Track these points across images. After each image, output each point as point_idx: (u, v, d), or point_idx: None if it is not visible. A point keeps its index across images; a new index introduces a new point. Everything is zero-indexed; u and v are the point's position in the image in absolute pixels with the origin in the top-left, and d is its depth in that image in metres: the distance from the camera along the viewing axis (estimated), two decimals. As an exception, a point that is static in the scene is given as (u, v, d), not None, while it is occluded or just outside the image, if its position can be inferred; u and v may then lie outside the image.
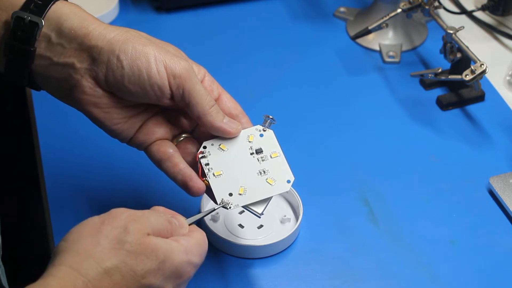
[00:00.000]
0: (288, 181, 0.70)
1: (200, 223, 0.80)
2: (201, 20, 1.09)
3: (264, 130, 0.72)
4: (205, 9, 1.11)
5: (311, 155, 0.90)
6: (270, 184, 0.70)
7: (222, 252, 0.78)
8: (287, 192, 0.82)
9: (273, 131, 0.72)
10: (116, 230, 0.59)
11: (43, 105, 0.94)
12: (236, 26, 1.09)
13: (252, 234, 0.79)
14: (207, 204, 0.81)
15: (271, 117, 0.73)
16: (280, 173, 0.70)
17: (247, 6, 1.11)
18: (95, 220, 0.59)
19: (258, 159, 0.71)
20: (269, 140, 0.72)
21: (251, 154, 0.71)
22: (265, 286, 0.76)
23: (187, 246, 0.61)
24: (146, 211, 0.62)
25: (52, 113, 0.92)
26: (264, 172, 0.70)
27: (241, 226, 0.80)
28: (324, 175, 0.87)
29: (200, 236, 0.63)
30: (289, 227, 0.80)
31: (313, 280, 0.76)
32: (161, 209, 0.64)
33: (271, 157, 0.71)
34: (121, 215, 0.60)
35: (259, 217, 0.70)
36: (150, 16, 1.10)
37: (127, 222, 0.59)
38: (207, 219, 0.79)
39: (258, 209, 0.69)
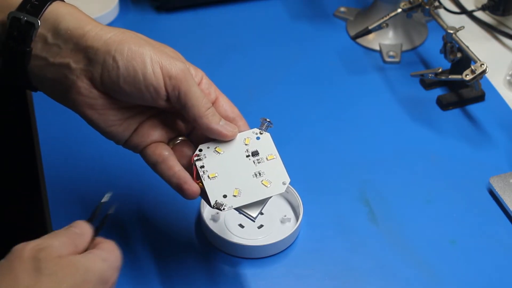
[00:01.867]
0: (284, 183, 0.69)
1: (200, 223, 0.80)
2: (201, 20, 1.09)
3: (261, 133, 0.72)
4: (205, 9, 1.11)
5: (311, 154, 0.90)
6: (266, 186, 0.69)
7: (222, 252, 0.78)
8: (287, 192, 0.82)
9: (270, 134, 0.72)
10: (27, 263, 0.58)
11: (44, 105, 0.94)
12: (236, 26, 1.09)
13: (252, 234, 0.79)
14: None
15: (268, 120, 0.72)
16: (276, 175, 0.69)
17: (247, 6, 1.11)
18: (1, 263, 0.58)
19: (254, 162, 0.70)
20: (265, 143, 0.71)
21: (247, 156, 0.70)
22: (265, 286, 0.76)
23: (102, 254, 0.61)
24: (46, 238, 0.60)
25: (52, 113, 0.92)
26: (259, 174, 0.70)
27: (241, 226, 0.79)
28: (324, 175, 0.87)
29: (109, 245, 0.63)
30: (289, 227, 0.80)
31: (313, 280, 0.76)
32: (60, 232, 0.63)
33: (267, 159, 0.70)
34: (23, 249, 0.59)
35: (253, 221, 0.69)
36: (150, 16, 1.10)
37: (34, 252, 0.58)
38: (207, 218, 0.79)
39: (253, 212, 0.68)
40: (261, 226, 0.80)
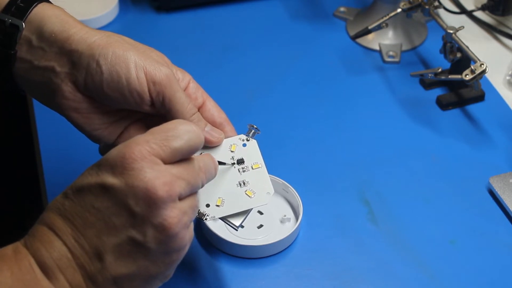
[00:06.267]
0: (268, 194, 0.69)
1: (200, 223, 0.80)
2: (201, 20, 1.09)
3: (247, 140, 0.71)
4: (205, 9, 1.11)
5: (311, 155, 0.90)
6: (249, 196, 0.69)
7: (222, 252, 0.78)
8: (286, 192, 0.82)
9: (257, 141, 0.72)
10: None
11: (44, 106, 0.94)
12: (236, 26, 1.09)
13: (252, 234, 0.79)
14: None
15: (255, 126, 0.72)
16: (260, 185, 0.69)
17: (247, 6, 1.11)
18: None
19: (239, 170, 0.70)
20: (251, 150, 0.71)
21: (232, 164, 0.70)
22: (265, 286, 0.76)
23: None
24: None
25: (52, 114, 0.92)
26: (244, 183, 0.69)
27: (240, 226, 0.79)
28: (324, 175, 0.87)
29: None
30: (289, 227, 0.80)
31: (313, 280, 0.76)
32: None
33: (252, 168, 0.70)
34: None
35: (236, 230, 0.69)
36: (150, 16, 1.10)
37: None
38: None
39: (236, 221, 0.69)
40: (261, 226, 0.80)
